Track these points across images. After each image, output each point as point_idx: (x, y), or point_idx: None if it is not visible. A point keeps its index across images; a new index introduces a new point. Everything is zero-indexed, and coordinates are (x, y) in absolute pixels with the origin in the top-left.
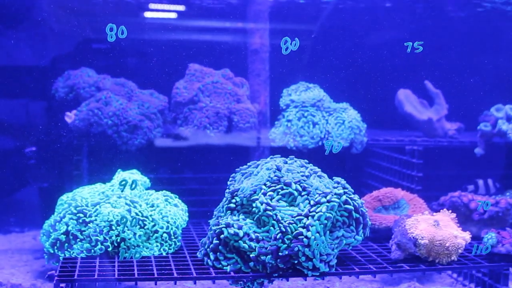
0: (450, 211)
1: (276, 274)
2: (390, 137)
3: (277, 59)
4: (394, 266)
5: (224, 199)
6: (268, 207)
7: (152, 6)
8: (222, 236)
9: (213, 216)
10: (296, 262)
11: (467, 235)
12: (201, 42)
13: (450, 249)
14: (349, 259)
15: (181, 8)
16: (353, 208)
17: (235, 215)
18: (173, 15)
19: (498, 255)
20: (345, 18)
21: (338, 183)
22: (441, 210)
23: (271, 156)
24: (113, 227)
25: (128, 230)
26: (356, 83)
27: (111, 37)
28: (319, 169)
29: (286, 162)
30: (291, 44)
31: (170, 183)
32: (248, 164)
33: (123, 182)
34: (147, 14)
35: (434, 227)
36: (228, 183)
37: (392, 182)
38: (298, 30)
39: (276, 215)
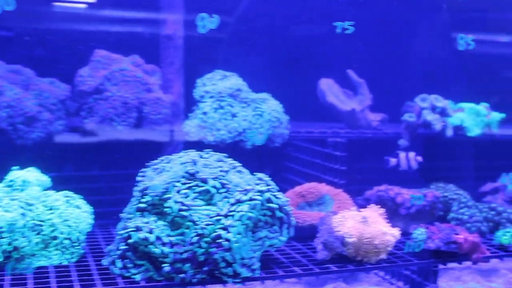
0: (379, 206)
1: (193, 282)
2: (313, 129)
3: (192, 48)
4: (321, 268)
5: (133, 198)
6: (183, 207)
7: None
8: (130, 241)
9: (121, 218)
10: (215, 268)
11: (396, 232)
12: (112, 31)
13: (379, 247)
14: (273, 261)
15: None
16: (277, 206)
17: (145, 217)
18: (82, 4)
19: (427, 252)
20: (266, 7)
21: (261, 179)
22: (368, 206)
23: (185, 150)
24: (5, 234)
25: (22, 237)
26: (278, 73)
27: None
28: (239, 164)
29: (202, 156)
30: (209, 21)
31: (75, 181)
32: (160, 158)
33: (11, 183)
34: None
35: (362, 224)
36: (138, 179)
37: (315, 177)
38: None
39: (191, 215)
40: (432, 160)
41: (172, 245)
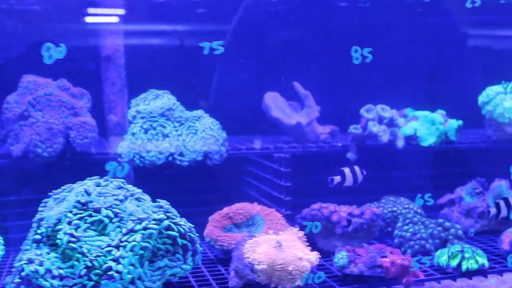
0: (297, 229)
1: None
2: (254, 145)
3: (135, 66)
4: None
5: (31, 229)
6: (72, 239)
7: None
8: (23, 273)
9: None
10: None
11: (313, 257)
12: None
13: (294, 274)
14: None
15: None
16: (177, 234)
17: (40, 249)
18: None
19: (351, 276)
20: (209, 18)
21: (160, 207)
22: (289, 228)
23: (89, 178)
24: None
25: None
26: (222, 88)
27: None
28: (139, 191)
29: (99, 185)
30: (55, 50)
31: (6, 206)
32: (63, 187)
33: None
34: None
35: (275, 249)
36: (39, 209)
37: (267, 193)
38: (157, 30)
39: (81, 247)
40: (381, 172)
41: (61, 278)
